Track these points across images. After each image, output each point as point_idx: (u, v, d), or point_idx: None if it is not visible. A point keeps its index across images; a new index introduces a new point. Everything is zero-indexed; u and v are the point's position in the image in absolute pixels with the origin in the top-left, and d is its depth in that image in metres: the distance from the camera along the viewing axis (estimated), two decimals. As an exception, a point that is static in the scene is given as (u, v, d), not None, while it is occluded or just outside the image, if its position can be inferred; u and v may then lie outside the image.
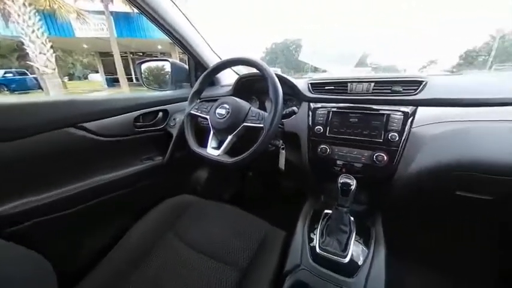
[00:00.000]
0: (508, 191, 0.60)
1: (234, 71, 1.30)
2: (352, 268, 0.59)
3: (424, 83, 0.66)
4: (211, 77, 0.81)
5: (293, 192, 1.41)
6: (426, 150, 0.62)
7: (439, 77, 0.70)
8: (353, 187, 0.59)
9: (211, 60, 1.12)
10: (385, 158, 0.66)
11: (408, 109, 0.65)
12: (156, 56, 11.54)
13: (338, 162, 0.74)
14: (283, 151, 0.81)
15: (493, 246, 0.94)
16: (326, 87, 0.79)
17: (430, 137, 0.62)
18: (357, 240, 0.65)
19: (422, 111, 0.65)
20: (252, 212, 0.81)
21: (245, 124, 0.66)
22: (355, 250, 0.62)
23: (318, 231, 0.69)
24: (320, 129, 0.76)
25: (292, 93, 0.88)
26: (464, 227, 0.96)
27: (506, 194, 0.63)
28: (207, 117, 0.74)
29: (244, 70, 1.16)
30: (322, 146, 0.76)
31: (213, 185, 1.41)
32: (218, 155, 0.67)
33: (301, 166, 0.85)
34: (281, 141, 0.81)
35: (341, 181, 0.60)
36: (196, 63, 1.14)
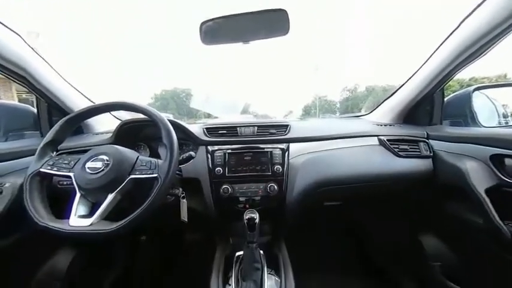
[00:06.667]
0: (348, 195, 0.93)
1: (115, 116, 1.12)
2: None
3: (289, 126, 0.91)
4: (76, 123, 0.65)
5: (200, 244, 1.27)
6: (300, 175, 0.81)
7: (296, 122, 0.99)
8: (257, 220, 0.64)
9: (78, 104, 0.92)
10: (276, 187, 0.79)
11: (284, 146, 0.85)
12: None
13: (241, 199, 0.80)
14: (184, 200, 0.74)
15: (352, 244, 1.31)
16: (219, 131, 0.88)
17: (300, 165, 0.83)
18: (269, 273, 0.68)
19: (293, 146, 0.86)
20: None
21: (133, 177, 0.55)
22: (270, 284, 0.64)
23: (233, 280, 0.66)
24: (220, 170, 0.80)
25: (187, 138, 0.88)
26: (331, 232, 1.32)
27: (347, 197, 0.97)
28: (71, 174, 0.55)
29: (127, 116, 1.03)
30: (224, 187, 0.79)
31: (87, 273, 0.98)
32: (91, 224, 0.49)
33: (205, 212, 0.82)
34: (181, 189, 0.74)
35: (246, 217, 0.66)
36: (52, 106, 0.89)
